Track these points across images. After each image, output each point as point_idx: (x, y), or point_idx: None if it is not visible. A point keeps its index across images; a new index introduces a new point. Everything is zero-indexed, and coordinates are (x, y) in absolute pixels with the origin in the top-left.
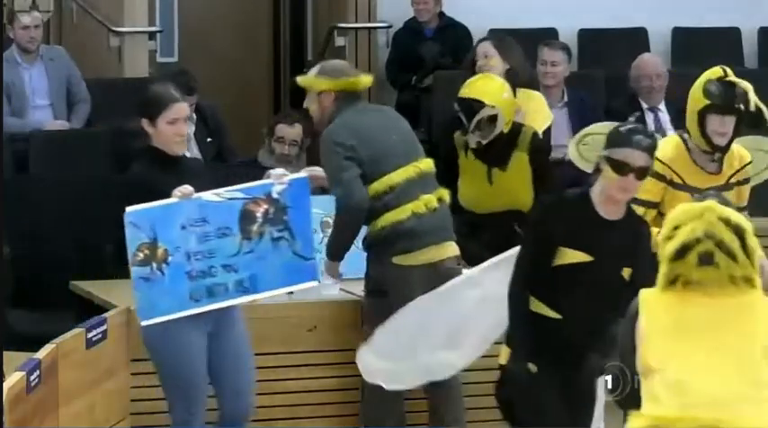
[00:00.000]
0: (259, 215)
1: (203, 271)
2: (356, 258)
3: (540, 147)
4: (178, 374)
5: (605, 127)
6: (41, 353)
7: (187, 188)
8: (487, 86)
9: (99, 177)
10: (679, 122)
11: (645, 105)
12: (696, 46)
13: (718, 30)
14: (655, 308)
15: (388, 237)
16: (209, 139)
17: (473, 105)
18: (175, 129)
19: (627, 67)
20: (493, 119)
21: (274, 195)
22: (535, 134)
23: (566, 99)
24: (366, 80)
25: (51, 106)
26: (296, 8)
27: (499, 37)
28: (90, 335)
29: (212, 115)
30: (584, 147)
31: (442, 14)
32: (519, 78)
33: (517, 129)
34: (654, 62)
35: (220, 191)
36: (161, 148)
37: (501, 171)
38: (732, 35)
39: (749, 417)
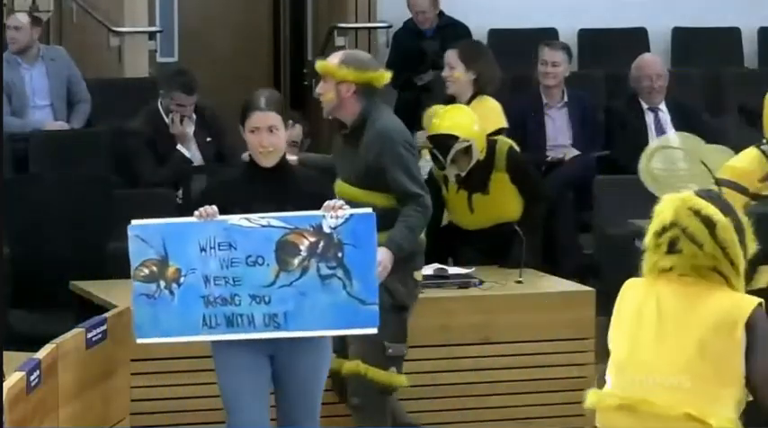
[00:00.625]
0: (303, 248)
1: (224, 299)
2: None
3: (517, 162)
4: (223, 391)
5: (679, 140)
6: (41, 353)
7: (210, 209)
8: (457, 119)
9: (99, 177)
10: (680, 122)
11: (645, 105)
12: (696, 46)
13: (718, 30)
14: (628, 295)
15: (413, 253)
16: (208, 139)
17: (446, 141)
18: (257, 139)
19: (627, 67)
20: (467, 150)
21: (326, 229)
22: (510, 149)
23: (566, 99)
24: (387, 76)
25: (51, 106)
26: (296, 8)
27: (467, 44)
28: (90, 335)
29: (212, 115)
30: (658, 168)
31: (441, 14)
32: (488, 87)
33: (491, 149)
34: (654, 62)
35: (253, 216)
36: (253, 158)
37: (483, 195)
38: (732, 35)
39: (665, 405)
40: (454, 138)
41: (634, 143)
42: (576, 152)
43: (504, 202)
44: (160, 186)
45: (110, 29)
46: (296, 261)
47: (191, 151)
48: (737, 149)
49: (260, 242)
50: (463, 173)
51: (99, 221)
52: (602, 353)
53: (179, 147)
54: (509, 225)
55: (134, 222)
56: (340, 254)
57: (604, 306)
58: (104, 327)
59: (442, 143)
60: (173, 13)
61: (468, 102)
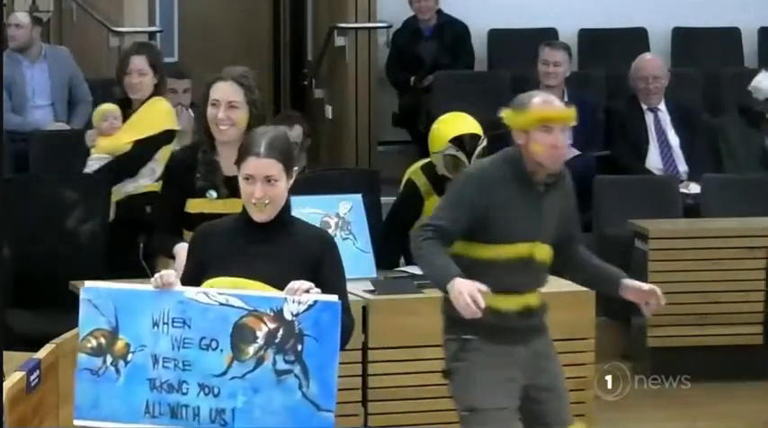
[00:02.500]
0: (260, 335)
1: (171, 385)
2: (357, 258)
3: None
4: None
5: None
6: (41, 353)
7: (168, 277)
8: (472, 120)
9: (99, 177)
10: (680, 122)
11: (644, 106)
12: (696, 46)
13: (718, 30)
14: None
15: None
16: None
17: (472, 141)
18: (250, 189)
19: (627, 67)
20: (483, 150)
21: (287, 315)
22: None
23: (566, 99)
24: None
25: (52, 106)
26: (296, 8)
27: (142, 44)
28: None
29: None
30: None
31: (440, 13)
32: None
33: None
34: (651, 63)
35: (212, 291)
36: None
37: None
38: (732, 35)
39: None
40: (477, 137)
41: (634, 143)
42: (576, 152)
43: None
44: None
45: (110, 29)
46: (251, 349)
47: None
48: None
49: (216, 322)
50: None
51: (99, 221)
52: (602, 353)
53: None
54: None
55: (87, 284)
56: (299, 347)
57: (604, 306)
58: None
59: (466, 144)
60: (173, 13)
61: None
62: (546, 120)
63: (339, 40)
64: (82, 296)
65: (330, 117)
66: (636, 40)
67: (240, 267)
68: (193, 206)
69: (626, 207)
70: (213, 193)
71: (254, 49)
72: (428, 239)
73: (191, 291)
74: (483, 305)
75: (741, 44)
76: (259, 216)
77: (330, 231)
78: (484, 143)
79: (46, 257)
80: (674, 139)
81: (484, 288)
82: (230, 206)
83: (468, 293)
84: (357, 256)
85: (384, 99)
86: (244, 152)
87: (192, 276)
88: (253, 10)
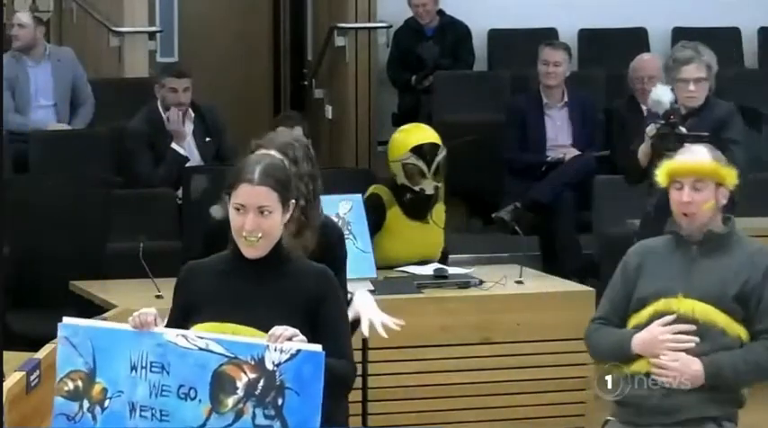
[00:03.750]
0: (240, 385)
1: None
2: (357, 258)
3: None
4: None
5: None
6: (41, 353)
7: (146, 316)
8: (432, 131)
9: (99, 177)
10: None
11: (644, 106)
12: None
13: (718, 30)
14: None
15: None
16: (207, 139)
17: (432, 150)
18: (240, 220)
19: (627, 67)
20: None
21: (268, 364)
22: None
23: (566, 99)
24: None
25: (55, 106)
26: (296, 8)
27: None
28: None
29: (211, 115)
30: None
31: (441, 13)
32: None
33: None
34: (647, 63)
35: (191, 334)
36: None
37: (423, 223)
38: (732, 35)
39: None
40: (437, 147)
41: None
42: (576, 152)
43: (436, 235)
44: (158, 185)
45: (110, 29)
46: (230, 401)
47: (187, 149)
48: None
49: (195, 369)
50: (440, 185)
51: (99, 221)
52: None
53: (173, 145)
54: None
55: (65, 320)
56: (280, 401)
57: None
58: None
59: (426, 153)
60: (173, 13)
61: None
62: (673, 174)
63: (339, 40)
64: (59, 333)
65: (330, 117)
66: (636, 39)
67: (230, 311)
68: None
69: (626, 207)
70: None
71: (254, 49)
72: (594, 331)
73: (170, 333)
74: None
75: (741, 44)
76: (250, 251)
77: None
78: (444, 153)
79: (46, 257)
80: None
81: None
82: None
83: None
84: (357, 256)
85: (384, 99)
86: (235, 178)
87: (177, 320)
88: (253, 10)
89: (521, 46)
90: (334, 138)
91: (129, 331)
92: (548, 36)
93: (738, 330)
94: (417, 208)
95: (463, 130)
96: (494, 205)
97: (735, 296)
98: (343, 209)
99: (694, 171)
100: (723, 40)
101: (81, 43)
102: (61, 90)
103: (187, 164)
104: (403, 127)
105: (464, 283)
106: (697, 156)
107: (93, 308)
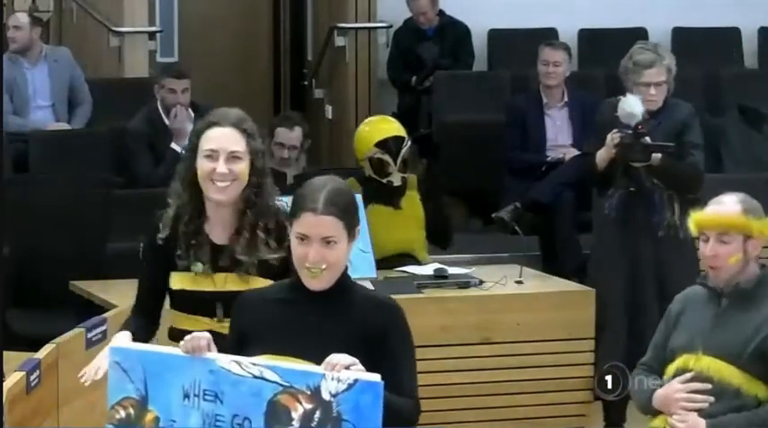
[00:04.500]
0: (295, 416)
1: None
2: (357, 258)
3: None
4: None
5: None
6: (41, 353)
7: (198, 340)
8: (397, 123)
9: (99, 177)
10: None
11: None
12: (696, 46)
13: (718, 30)
14: None
15: None
16: None
17: (397, 143)
18: (304, 251)
19: None
20: (412, 154)
21: (325, 394)
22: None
23: (566, 99)
24: None
25: (53, 107)
26: (296, 8)
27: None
28: (90, 335)
29: None
30: None
31: (441, 13)
32: None
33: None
34: None
35: (245, 361)
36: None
37: (395, 210)
38: (732, 35)
39: None
40: (402, 140)
41: None
42: (576, 152)
43: (413, 225)
44: (158, 186)
45: (110, 29)
46: None
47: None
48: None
49: (249, 398)
50: (407, 176)
51: (99, 221)
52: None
53: (173, 144)
54: (408, 259)
55: (114, 343)
56: None
57: None
58: (104, 327)
59: (392, 147)
60: (173, 13)
61: None
62: (700, 226)
63: (339, 40)
64: (110, 358)
65: (330, 117)
66: (636, 40)
67: (289, 342)
68: (175, 280)
69: None
70: (199, 266)
71: (253, 49)
72: (635, 376)
73: (223, 359)
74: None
75: (741, 44)
76: (314, 283)
77: None
78: (408, 144)
79: (46, 257)
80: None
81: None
82: (220, 282)
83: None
84: (357, 256)
85: (384, 99)
86: (297, 207)
87: (233, 350)
88: (253, 10)
89: (521, 46)
90: (334, 138)
91: (181, 356)
92: (548, 36)
93: (756, 388)
94: (387, 196)
95: (463, 130)
96: (494, 205)
97: (753, 352)
98: None
99: (720, 223)
100: (723, 40)
101: (81, 43)
102: (59, 90)
103: None
104: (367, 120)
105: (464, 283)
106: (725, 207)
107: (93, 308)
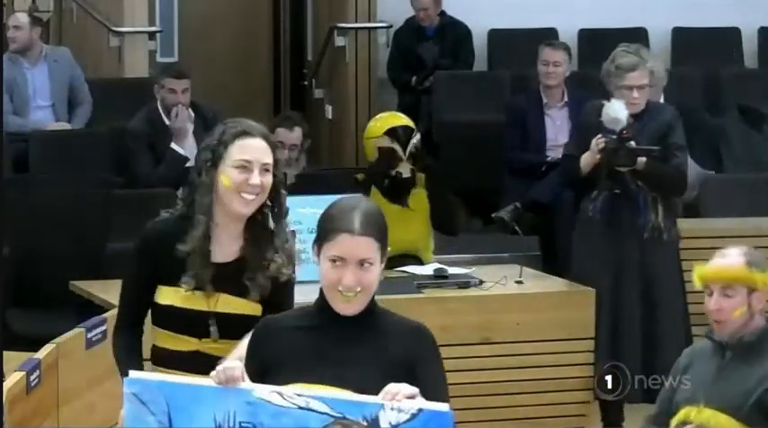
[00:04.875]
0: None
1: None
2: None
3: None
4: None
5: None
6: (41, 353)
7: (232, 371)
8: (405, 117)
9: (99, 177)
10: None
11: None
12: (696, 46)
13: (718, 30)
14: None
15: None
16: None
17: (406, 133)
18: (338, 275)
19: None
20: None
21: (384, 425)
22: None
23: (566, 99)
24: None
25: (53, 107)
26: (296, 8)
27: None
28: (90, 335)
29: (212, 116)
30: None
31: (442, 13)
32: None
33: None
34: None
35: (288, 391)
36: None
37: (402, 208)
38: (732, 35)
39: None
40: (411, 130)
41: None
42: None
43: (418, 224)
44: (158, 186)
45: (110, 29)
46: None
47: (187, 148)
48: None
49: None
50: (416, 169)
51: (99, 221)
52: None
53: (173, 144)
54: (411, 258)
55: (132, 374)
56: None
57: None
58: (104, 327)
59: (401, 135)
60: (173, 13)
61: None
62: (704, 280)
63: (339, 40)
64: (126, 389)
65: (330, 117)
66: (636, 40)
67: (319, 371)
68: (164, 296)
69: None
70: (191, 282)
71: (253, 49)
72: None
73: (262, 390)
74: None
75: (741, 44)
76: (346, 308)
77: None
78: (418, 136)
79: (46, 257)
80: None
81: None
82: (213, 301)
83: None
84: None
85: (384, 99)
86: (329, 228)
87: (254, 381)
88: (253, 10)
89: (521, 46)
90: (334, 138)
91: (212, 387)
92: (548, 36)
93: None
94: (395, 191)
95: (463, 130)
96: (494, 205)
97: (754, 404)
98: None
99: (723, 277)
100: (723, 40)
101: (81, 43)
102: (59, 90)
103: (187, 164)
104: (376, 116)
105: (464, 283)
106: (728, 260)
107: (93, 308)
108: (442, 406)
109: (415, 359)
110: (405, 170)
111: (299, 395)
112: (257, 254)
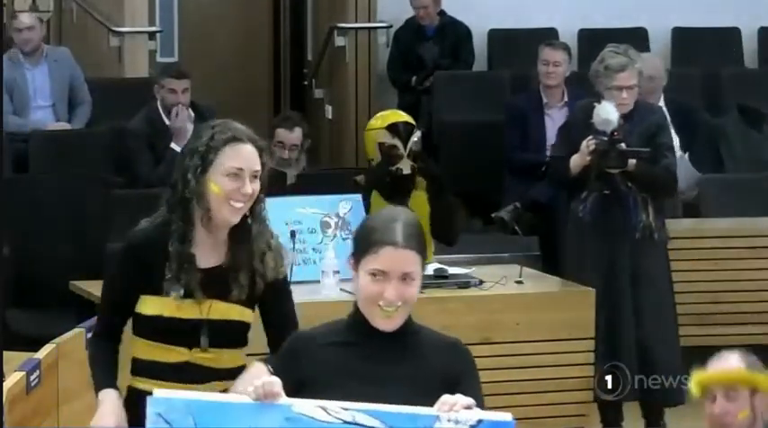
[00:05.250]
0: None
1: None
2: None
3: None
4: None
5: None
6: (41, 353)
7: (270, 385)
8: (406, 115)
9: (99, 177)
10: (679, 122)
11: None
12: (696, 46)
13: (718, 30)
14: None
15: None
16: None
17: (407, 129)
18: (378, 288)
19: None
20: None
21: None
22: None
23: (566, 99)
24: None
25: (53, 107)
26: (296, 8)
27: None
28: (90, 335)
29: (211, 115)
30: None
31: (442, 13)
32: None
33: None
34: (648, 63)
35: (332, 405)
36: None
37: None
38: (732, 35)
39: None
40: (411, 126)
41: None
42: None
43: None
44: (158, 186)
45: (110, 29)
46: None
47: None
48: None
49: None
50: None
51: (99, 221)
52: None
53: (173, 144)
54: None
55: (157, 393)
56: None
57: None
58: None
59: (401, 131)
60: (173, 13)
61: None
62: (705, 386)
63: (339, 40)
64: (150, 409)
65: (330, 117)
66: (636, 40)
67: (357, 389)
68: (150, 306)
69: None
70: (180, 290)
71: (254, 49)
72: None
73: (303, 405)
74: None
75: (741, 44)
76: (387, 323)
77: (330, 231)
78: (419, 133)
79: (46, 257)
80: (673, 139)
81: None
82: (203, 311)
83: None
84: None
85: (384, 99)
86: (371, 241)
87: None
88: (253, 10)
89: (521, 46)
90: (334, 138)
91: (248, 404)
92: (548, 36)
93: None
94: (396, 189)
95: (463, 130)
96: (494, 205)
97: None
98: (343, 209)
99: (726, 378)
100: (723, 40)
101: (81, 43)
102: (59, 90)
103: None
104: (379, 113)
105: (464, 283)
106: (727, 362)
107: (93, 308)
108: (504, 416)
109: (457, 375)
110: (405, 166)
111: (344, 409)
112: (243, 257)
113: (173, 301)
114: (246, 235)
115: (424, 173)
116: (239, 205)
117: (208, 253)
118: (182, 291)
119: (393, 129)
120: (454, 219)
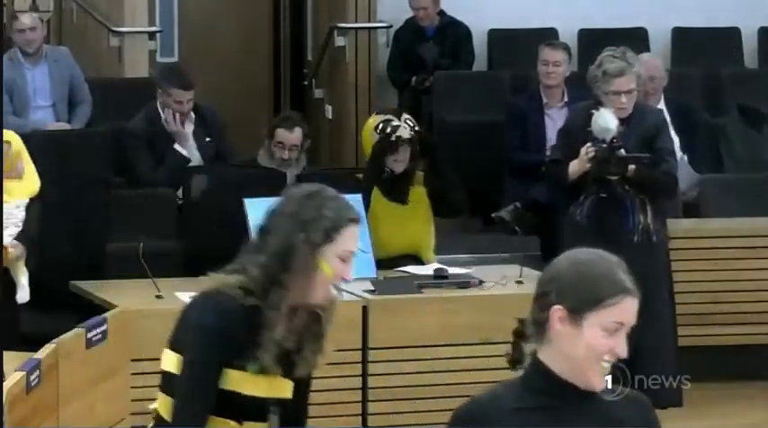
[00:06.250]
0: None
1: None
2: (357, 259)
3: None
4: None
5: None
6: (41, 353)
7: None
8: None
9: (99, 177)
10: (680, 122)
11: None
12: (696, 46)
13: (718, 30)
14: None
15: None
16: (207, 140)
17: (397, 112)
18: (606, 344)
19: None
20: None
21: None
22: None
23: (566, 99)
24: None
25: (53, 107)
26: (296, 8)
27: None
28: (90, 335)
29: (211, 116)
30: None
31: (442, 13)
32: None
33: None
34: (648, 63)
35: None
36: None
37: (402, 205)
38: (732, 35)
39: None
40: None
41: None
42: None
43: (421, 223)
44: (159, 186)
45: (110, 29)
46: None
47: (188, 150)
48: (737, 150)
49: None
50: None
51: (99, 221)
52: None
53: (176, 145)
54: (413, 261)
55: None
56: None
57: None
58: (104, 327)
59: (397, 112)
60: (173, 13)
61: None
62: None
63: (339, 40)
64: None
65: (330, 117)
66: (636, 40)
67: None
68: (230, 381)
69: None
70: (256, 364)
71: (254, 49)
72: None
73: None
74: None
75: (741, 44)
76: (602, 381)
77: None
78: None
79: (46, 257)
80: (673, 139)
81: None
82: (274, 386)
83: None
84: (357, 256)
85: (384, 99)
86: (609, 291)
87: None
88: (253, 10)
89: (521, 46)
90: (334, 138)
91: None
92: (548, 36)
93: None
94: (395, 185)
95: (463, 130)
96: (494, 205)
97: None
98: None
99: None
100: (723, 40)
101: (81, 43)
102: (59, 90)
103: (188, 165)
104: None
105: (464, 283)
106: None
107: (93, 308)
108: None
109: None
110: (404, 132)
111: None
112: (314, 338)
113: (249, 376)
114: (318, 317)
115: (423, 139)
116: (339, 289)
117: (281, 328)
118: (257, 365)
119: (387, 122)
120: (456, 190)
